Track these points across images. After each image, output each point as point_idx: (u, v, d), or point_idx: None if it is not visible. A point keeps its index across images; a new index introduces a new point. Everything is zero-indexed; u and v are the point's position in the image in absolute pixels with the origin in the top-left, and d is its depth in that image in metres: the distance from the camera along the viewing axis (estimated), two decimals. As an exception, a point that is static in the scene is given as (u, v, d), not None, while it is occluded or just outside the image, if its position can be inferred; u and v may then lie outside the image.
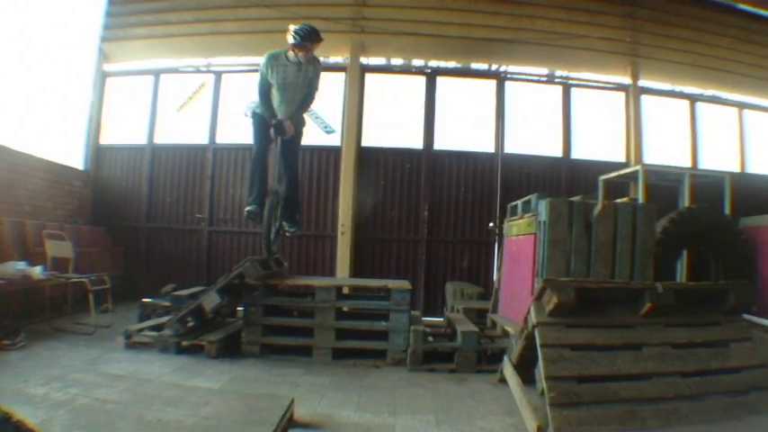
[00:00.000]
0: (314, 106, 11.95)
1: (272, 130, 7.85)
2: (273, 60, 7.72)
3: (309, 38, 7.49)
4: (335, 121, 12.50)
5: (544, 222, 6.84)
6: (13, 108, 10.42)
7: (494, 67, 13.29)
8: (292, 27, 7.48)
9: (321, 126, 12.52)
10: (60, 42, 11.60)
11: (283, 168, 8.21)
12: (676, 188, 10.84)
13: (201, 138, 12.88)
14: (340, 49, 12.44)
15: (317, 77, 8.09)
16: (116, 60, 13.17)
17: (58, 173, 11.53)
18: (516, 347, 5.95)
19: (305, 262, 12.30)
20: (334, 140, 12.38)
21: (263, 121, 7.95)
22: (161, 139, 13.05)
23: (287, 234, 8.67)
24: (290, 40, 7.44)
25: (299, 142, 8.49)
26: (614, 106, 13.02)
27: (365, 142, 12.41)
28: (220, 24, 12.40)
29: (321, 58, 8.22)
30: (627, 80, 12.88)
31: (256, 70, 12.76)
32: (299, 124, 8.25)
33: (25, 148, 10.41)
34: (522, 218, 8.26)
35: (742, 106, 13.68)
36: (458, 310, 9.65)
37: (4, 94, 10.16)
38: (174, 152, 12.89)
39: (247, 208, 8.02)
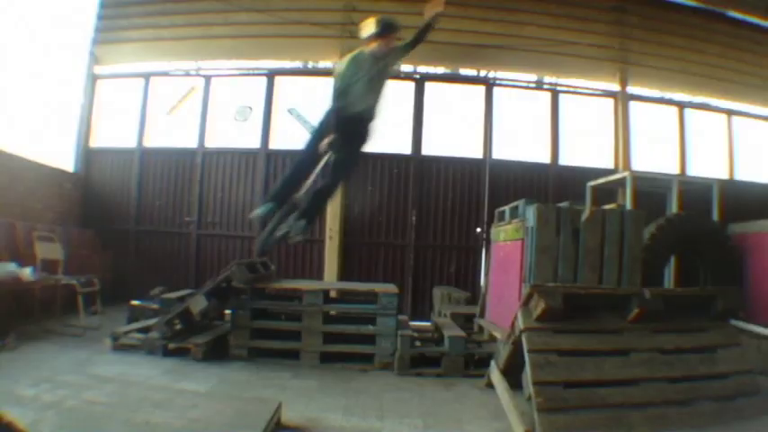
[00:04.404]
0: (302, 111, 12.01)
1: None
2: (355, 60, 7.56)
3: (390, 28, 7.40)
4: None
5: (532, 228, 6.85)
6: (4, 110, 10.40)
7: (482, 72, 13.35)
8: (368, 21, 7.37)
9: (309, 130, 12.53)
10: (51, 45, 11.58)
11: (339, 167, 7.89)
12: (664, 194, 10.87)
13: (191, 142, 12.85)
14: (329, 54, 12.43)
15: (393, 66, 7.97)
16: (107, 63, 13.15)
17: (49, 175, 11.51)
18: (503, 352, 5.96)
19: (292, 266, 12.27)
20: (322, 145, 12.37)
21: (340, 117, 7.65)
22: (150, 142, 13.00)
23: (290, 241, 8.39)
24: (370, 31, 7.32)
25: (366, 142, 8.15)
26: (603, 113, 13.05)
27: (353, 147, 12.36)
28: (211, 28, 12.39)
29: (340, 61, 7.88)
30: (615, 87, 12.94)
31: (246, 74, 12.88)
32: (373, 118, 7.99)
33: (16, 149, 10.39)
34: (509, 223, 8.27)
35: (730, 113, 13.75)
36: (445, 315, 9.64)
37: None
38: (164, 156, 12.86)
39: (260, 209, 7.77)
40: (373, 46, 7.14)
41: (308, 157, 7.50)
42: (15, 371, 5.94)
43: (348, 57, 7.26)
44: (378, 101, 7.50)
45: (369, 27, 7.13)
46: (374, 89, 7.40)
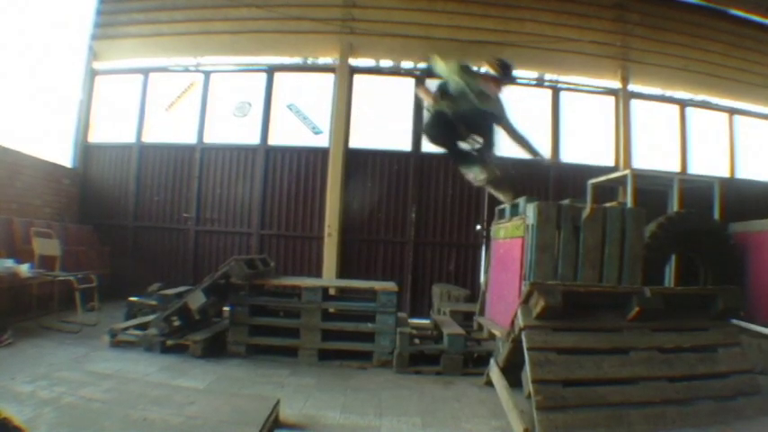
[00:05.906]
0: (301, 107, 11.99)
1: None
2: (468, 71, 7.53)
3: (508, 77, 7.39)
4: (323, 121, 12.48)
5: (532, 225, 6.80)
6: (2, 105, 10.38)
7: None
8: (492, 58, 7.36)
9: (309, 127, 12.50)
10: (50, 40, 11.56)
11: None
12: (665, 193, 10.87)
13: (189, 137, 12.83)
14: (329, 49, 12.43)
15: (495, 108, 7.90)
16: (105, 59, 13.12)
17: (47, 170, 11.48)
18: (503, 350, 5.94)
19: (291, 263, 12.25)
20: (321, 141, 12.36)
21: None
22: (149, 137, 12.98)
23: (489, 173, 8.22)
24: (491, 70, 7.30)
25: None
26: (604, 110, 13.01)
27: (353, 144, 12.34)
28: (210, 24, 12.39)
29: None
30: (617, 84, 12.90)
31: (245, 70, 12.86)
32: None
33: (14, 145, 10.36)
34: (509, 221, 8.23)
35: (732, 111, 13.70)
36: (444, 313, 9.61)
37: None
38: (162, 151, 12.84)
39: (474, 170, 7.75)
40: (484, 81, 7.23)
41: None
42: (12, 367, 5.91)
43: (460, 64, 7.29)
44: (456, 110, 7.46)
45: (490, 66, 7.22)
46: (458, 103, 7.39)
